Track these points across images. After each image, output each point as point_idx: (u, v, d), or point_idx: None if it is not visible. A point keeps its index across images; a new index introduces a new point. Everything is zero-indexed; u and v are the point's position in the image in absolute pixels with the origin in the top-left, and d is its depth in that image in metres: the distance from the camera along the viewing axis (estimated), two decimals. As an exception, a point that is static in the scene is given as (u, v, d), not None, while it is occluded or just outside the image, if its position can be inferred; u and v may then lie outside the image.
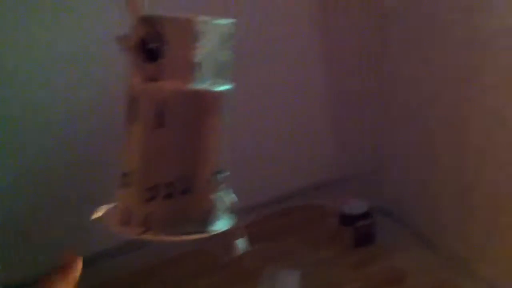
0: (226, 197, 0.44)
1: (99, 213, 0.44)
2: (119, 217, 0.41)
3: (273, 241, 1.05)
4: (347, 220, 1.02)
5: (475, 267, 0.91)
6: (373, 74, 1.07)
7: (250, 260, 0.93)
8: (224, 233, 0.43)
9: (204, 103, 0.39)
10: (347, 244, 1.02)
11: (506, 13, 0.74)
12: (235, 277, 0.95)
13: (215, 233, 0.43)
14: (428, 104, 0.96)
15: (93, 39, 0.85)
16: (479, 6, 0.78)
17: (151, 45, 0.37)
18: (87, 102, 0.91)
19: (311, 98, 1.13)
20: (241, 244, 0.47)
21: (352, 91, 1.11)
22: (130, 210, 0.41)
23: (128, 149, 0.41)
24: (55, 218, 0.94)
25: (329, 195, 1.15)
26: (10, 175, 0.90)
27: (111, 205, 0.44)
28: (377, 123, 1.11)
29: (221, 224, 0.43)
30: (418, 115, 1.00)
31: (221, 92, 0.40)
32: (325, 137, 1.18)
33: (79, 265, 0.43)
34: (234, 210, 0.45)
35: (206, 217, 0.42)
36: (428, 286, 0.91)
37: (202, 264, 0.99)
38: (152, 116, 0.38)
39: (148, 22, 0.37)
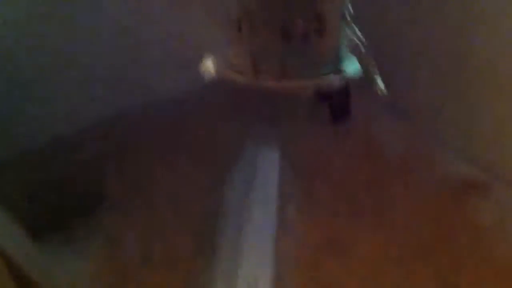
0: (353, 36, 0.43)
1: (209, 64, 0.41)
2: (250, 67, 0.38)
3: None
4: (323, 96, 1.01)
5: (446, 138, 0.94)
6: None
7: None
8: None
9: None
10: (324, 119, 1.03)
11: None
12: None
13: (348, 74, 0.42)
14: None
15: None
16: None
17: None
18: None
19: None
20: (379, 80, 0.46)
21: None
22: (260, 57, 0.38)
23: None
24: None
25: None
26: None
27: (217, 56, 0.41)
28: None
29: (351, 66, 0.43)
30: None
31: None
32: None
33: None
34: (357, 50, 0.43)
35: (336, 59, 0.41)
36: (403, 154, 0.96)
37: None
38: None
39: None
